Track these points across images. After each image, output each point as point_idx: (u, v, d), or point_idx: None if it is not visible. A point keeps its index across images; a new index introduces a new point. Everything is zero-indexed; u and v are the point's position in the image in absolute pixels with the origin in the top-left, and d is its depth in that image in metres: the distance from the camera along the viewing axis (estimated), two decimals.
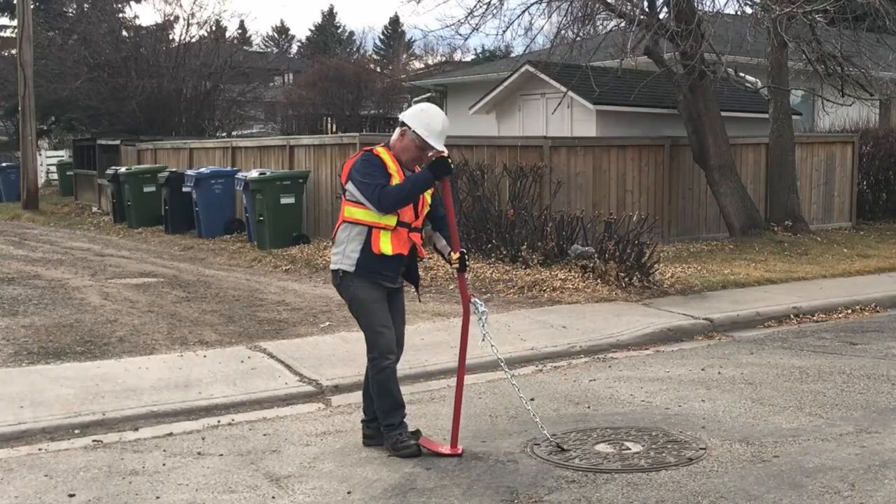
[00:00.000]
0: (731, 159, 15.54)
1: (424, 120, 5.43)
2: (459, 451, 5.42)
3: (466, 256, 5.56)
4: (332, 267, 5.49)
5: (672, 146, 16.06)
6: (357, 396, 6.87)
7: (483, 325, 5.50)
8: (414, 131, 5.39)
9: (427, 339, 8.34)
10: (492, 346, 5.64)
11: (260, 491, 4.91)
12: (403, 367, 7.39)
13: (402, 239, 5.40)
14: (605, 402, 6.58)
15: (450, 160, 5.38)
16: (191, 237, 16.58)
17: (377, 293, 5.43)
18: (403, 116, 5.49)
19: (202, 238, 16.26)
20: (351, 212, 5.40)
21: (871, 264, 13.15)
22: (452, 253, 5.50)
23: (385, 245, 5.34)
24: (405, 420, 5.54)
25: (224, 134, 30.28)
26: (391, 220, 5.36)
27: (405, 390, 6.97)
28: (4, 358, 7.66)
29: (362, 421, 5.71)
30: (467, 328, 5.57)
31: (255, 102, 35.41)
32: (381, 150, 5.44)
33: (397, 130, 5.50)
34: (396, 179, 5.34)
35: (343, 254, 5.40)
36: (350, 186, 5.39)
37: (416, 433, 5.56)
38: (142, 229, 18.21)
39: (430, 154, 5.44)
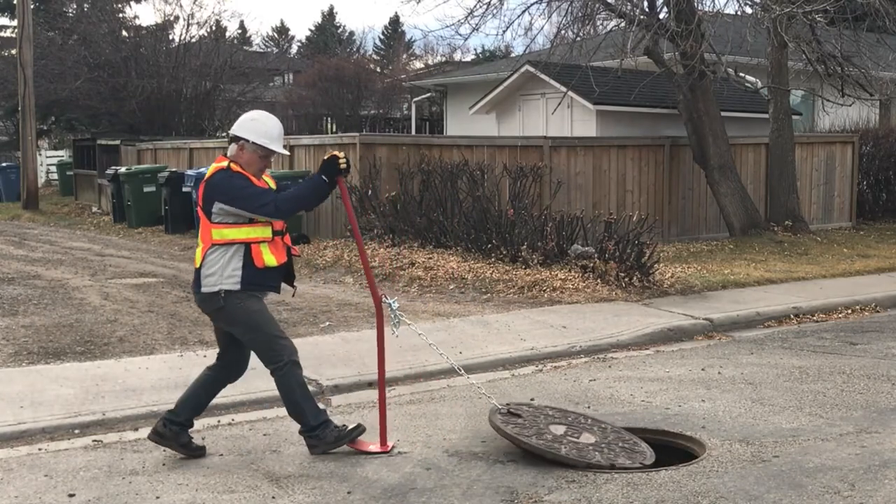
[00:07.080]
0: (731, 159, 15.55)
1: (260, 129, 5.37)
2: (388, 448, 5.45)
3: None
4: (209, 290, 5.29)
5: (672, 146, 16.07)
6: (357, 396, 6.90)
7: (395, 324, 5.56)
8: (254, 143, 5.33)
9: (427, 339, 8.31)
10: (434, 346, 5.63)
11: (260, 491, 4.91)
12: (403, 367, 7.43)
13: (280, 247, 5.39)
14: (604, 402, 6.58)
15: (343, 159, 5.31)
16: (191, 237, 16.56)
17: (263, 304, 5.42)
18: (237, 131, 5.38)
19: None
20: (222, 234, 5.27)
21: (871, 264, 13.15)
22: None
23: (268, 258, 5.30)
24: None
25: (224, 134, 30.22)
26: (268, 233, 5.32)
27: (405, 390, 7.00)
28: (4, 358, 7.66)
29: (168, 420, 5.42)
30: (382, 327, 5.63)
31: (255, 102, 35.25)
32: (235, 167, 5.33)
33: (233, 146, 5.36)
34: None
35: (221, 275, 5.25)
36: (220, 208, 5.24)
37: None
38: (142, 229, 18.20)
39: (271, 160, 5.45)
